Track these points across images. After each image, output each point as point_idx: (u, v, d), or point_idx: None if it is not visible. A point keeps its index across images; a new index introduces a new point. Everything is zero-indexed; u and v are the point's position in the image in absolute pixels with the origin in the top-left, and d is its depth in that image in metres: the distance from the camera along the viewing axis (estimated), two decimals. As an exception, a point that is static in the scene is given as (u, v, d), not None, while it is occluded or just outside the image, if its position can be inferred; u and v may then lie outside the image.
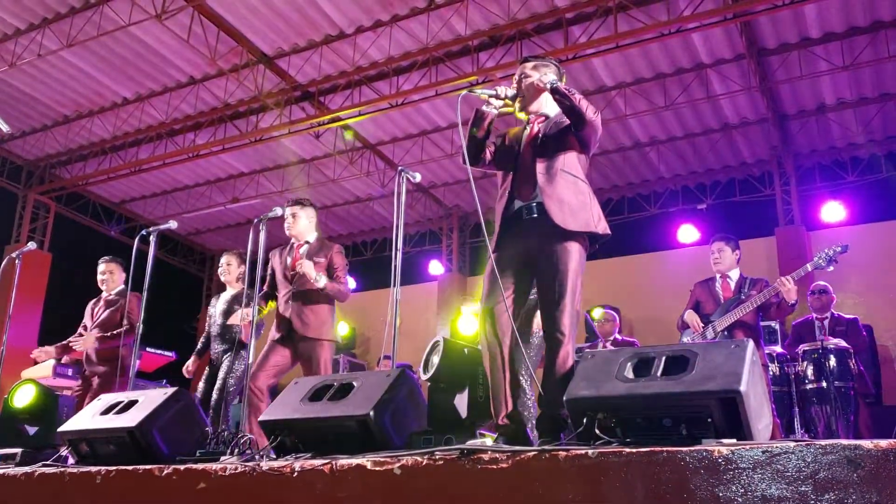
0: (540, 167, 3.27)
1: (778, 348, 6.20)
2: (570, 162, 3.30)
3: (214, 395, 5.33)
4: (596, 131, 3.30)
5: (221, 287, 6.00)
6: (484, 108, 3.36)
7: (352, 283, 11.05)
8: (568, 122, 3.29)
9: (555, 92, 3.28)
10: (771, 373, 5.76)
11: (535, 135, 3.40)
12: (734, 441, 2.11)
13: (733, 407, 2.21)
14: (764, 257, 10.34)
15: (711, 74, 9.28)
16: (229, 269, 5.81)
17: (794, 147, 10.69)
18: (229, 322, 5.53)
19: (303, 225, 5.03)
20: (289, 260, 4.98)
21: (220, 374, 5.45)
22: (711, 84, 9.38)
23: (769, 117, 9.92)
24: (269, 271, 5.09)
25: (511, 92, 3.37)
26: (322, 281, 4.74)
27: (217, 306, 5.79)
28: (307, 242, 5.03)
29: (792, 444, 1.83)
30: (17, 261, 5.83)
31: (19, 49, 9.19)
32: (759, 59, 8.93)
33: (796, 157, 10.83)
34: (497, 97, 3.33)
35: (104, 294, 6.09)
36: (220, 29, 8.85)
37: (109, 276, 6.06)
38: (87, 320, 6.05)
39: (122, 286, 6.08)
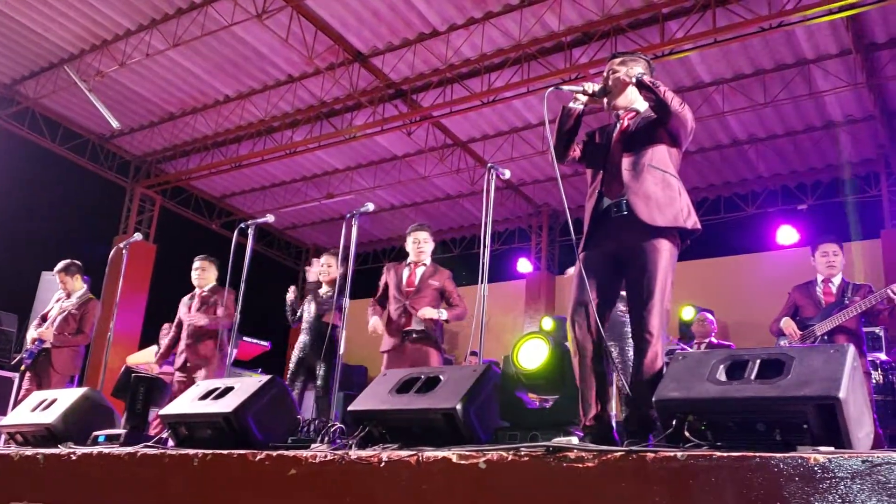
0: (626, 163, 3.23)
1: (882, 356, 5.90)
2: (659, 157, 3.24)
3: (319, 391, 5.61)
4: (684, 124, 3.22)
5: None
6: (571, 104, 3.34)
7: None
8: (656, 116, 3.23)
9: (640, 85, 3.24)
10: (874, 381, 5.50)
11: (623, 130, 3.36)
12: (832, 449, 2.03)
13: (831, 414, 2.12)
14: (868, 260, 9.88)
15: (815, 70, 8.90)
16: (330, 270, 6.02)
17: (904, 145, 10.15)
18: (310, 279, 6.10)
19: (429, 250, 5.50)
20: (405, 276, 5.43)
21: (321, 373, 5.66)
22: (815, 80, 8.99)
23: (876, 115, 9.43)
24: (381, 283, 5.55)
25: (598, 88, 3.34)
26: (444, 314, 5.24)
27: (309, 305, 6.00)
28: (424, 265, 5.46)
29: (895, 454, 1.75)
30: (124, 251, 6.11)
31: (129, 49, 9.65)
32: (866, 54, 8.51)
33: (906, 157, 10.28)
34: (584, 93, 3.31)
35: (197, 290, 6.34)
36: (318, 28, 9.07)
37: (201, 273, 6.32)
38: (182, 315, 6.28)
39: (215, 283, 6.33)
